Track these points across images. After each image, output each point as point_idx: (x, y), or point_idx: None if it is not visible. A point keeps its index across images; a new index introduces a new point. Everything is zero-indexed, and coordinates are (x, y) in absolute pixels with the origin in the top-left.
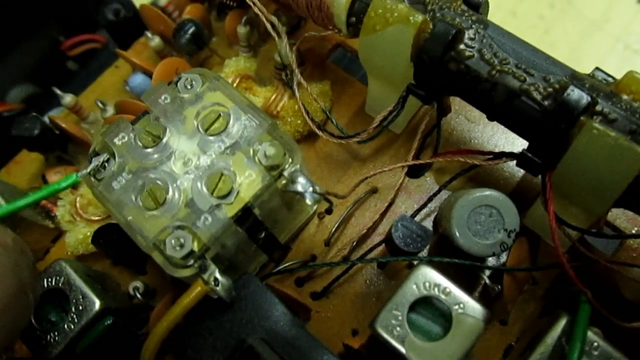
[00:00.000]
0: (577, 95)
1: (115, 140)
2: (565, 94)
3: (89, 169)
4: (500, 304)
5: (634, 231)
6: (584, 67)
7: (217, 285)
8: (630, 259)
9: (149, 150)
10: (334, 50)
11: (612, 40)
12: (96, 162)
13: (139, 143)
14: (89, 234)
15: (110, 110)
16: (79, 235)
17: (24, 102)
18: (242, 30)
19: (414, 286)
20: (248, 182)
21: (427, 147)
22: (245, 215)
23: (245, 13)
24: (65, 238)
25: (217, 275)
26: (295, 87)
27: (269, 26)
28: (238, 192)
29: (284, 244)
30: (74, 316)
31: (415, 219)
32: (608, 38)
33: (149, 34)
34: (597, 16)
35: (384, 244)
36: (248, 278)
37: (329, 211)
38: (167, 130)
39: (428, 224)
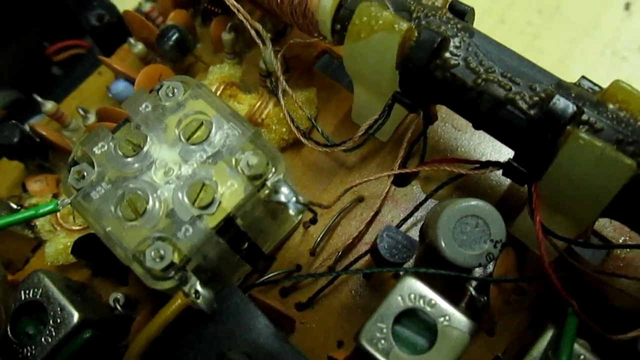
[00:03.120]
0: (563, 104)
1: (95, 149)
2: (551, 103)
3: (70, 199)
4: (486, 315)
5: (621, 240)
6: (572, 73)
7: (198, 298)
8: (618, 268)
9: (129, 159)
10: (321, 56)
11: (600, 46)
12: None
13: (119, 152)
14: (69, 244)
15: (92, 118)
16: (59, 246)
17: (7, 109)
18: (226, 36)
19: (399, 298)
20: (230, 192)
21: (413, 155)
22: (227, 226)
23: (230, 19)
24: (45, 248)
25: (198, 287)
26: (280, 94)
27: (253, 33)
28: (220, 203)
29: (268, 254)
30: (52, 329)
31: (402, 228)
32: (596, 44)
33: (132, 40)
34: (586, 22)
35: (369, 254)
36: (230, 290)
37: (313, 221)
38: (148, 139)
39: (415, 233)
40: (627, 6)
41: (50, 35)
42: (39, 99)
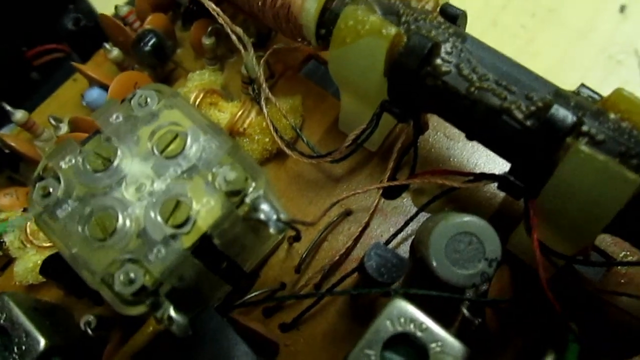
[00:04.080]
0: (561, 114)
1: (62, 163)
2: (549, 113)
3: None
4: (482, 338)
5: (622, 255)
6: (567, 78)
7: (172, 325)
8: (619, 285)
9: (99, 174)
10: (307, 62)
11: (595, 50)
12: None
13: (88, 166)
14: (39, 262)
15: (65, 128)
16: (28, 264)
17: None
18: (207, 41)
19: (388, 322)
20: (206, 210)
21: (404, 166)
22: (203, 246)
23: (211, 23)
24: (14, 266)
25: (172, 313)
26: (263, 102)
27: (234, 38)
28: (195, 221)
29: (250, 272)
30: (17, 356)
31: (392, 243)
32: (591, 48)
33: (107, 46)
34: (580, 25)
35: (357, 272)
36: (207, 314)
37: (297, 238)
38: (119, 152)
39: (405, 248)
40: (622, 9)
41: (28, 41)
42: (8, 107)
